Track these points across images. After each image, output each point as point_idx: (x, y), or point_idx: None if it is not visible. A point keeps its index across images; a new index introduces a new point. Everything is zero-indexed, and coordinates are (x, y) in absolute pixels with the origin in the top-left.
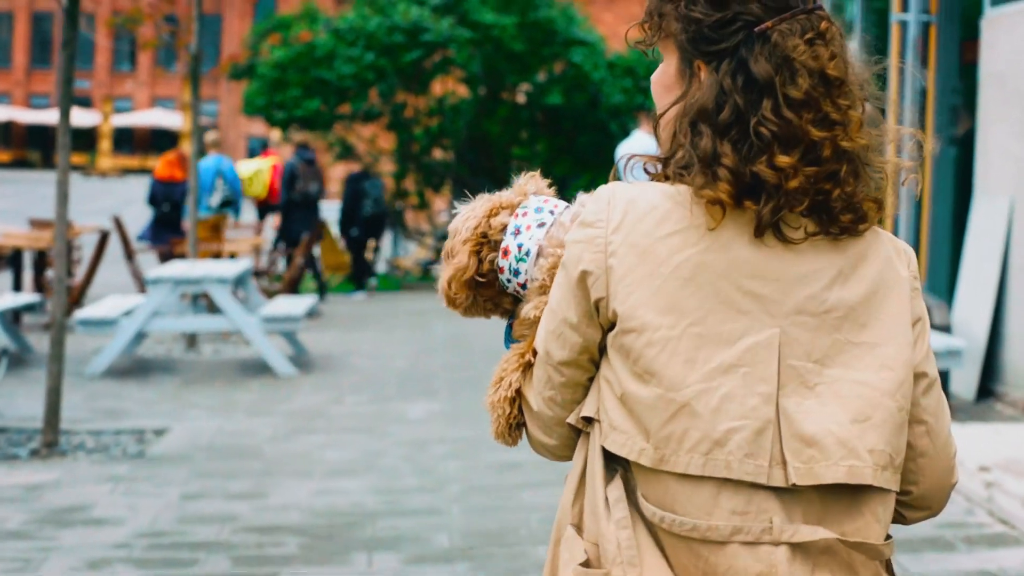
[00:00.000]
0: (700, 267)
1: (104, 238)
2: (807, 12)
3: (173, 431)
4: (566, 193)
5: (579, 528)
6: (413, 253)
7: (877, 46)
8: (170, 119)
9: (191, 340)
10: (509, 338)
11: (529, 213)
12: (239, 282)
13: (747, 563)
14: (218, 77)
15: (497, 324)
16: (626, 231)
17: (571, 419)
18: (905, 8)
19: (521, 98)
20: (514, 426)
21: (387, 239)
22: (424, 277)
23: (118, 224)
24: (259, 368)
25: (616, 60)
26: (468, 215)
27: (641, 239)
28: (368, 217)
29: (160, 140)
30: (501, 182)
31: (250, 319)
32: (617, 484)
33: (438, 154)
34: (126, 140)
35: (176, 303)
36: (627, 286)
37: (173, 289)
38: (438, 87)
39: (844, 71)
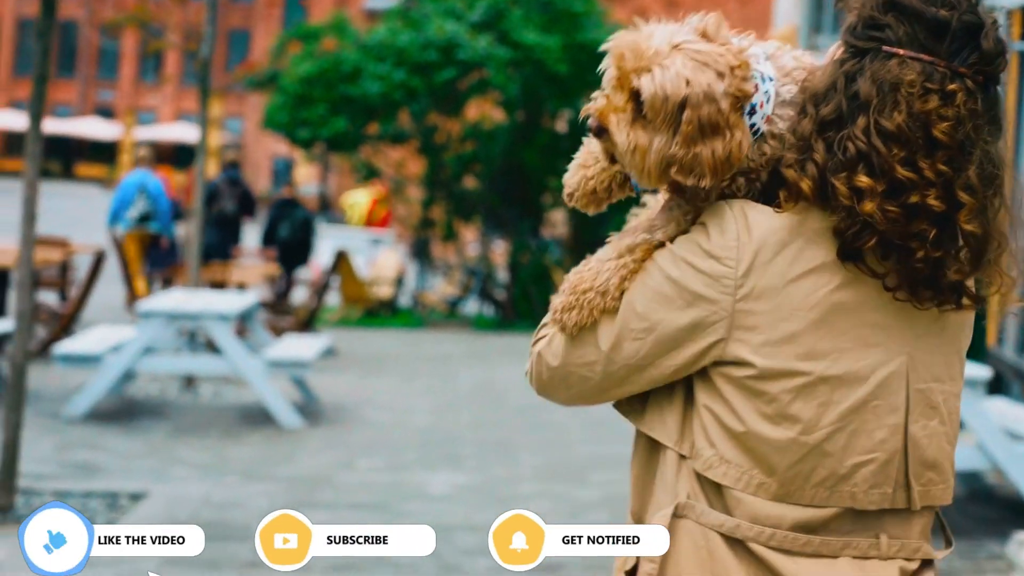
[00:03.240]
0: (832, 308)
1: (100, 259)
2: (951, 70)
3: (151, 497)
4: (602, 231)
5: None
6: (439, 288)
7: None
8: (194, 133)
9: (188, 380)
10: None
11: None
12: (245, 317)
13: None
14: (243, 93)
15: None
16: (758, 274)
17: (664, 438)
18: None
19: (562, 126)
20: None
21: (412, 271)
22: (451, 315)
23: (117, 243)
24: (262, 417)
25: None
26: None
27: (774, 282)
28: (284, 242)
29: (183, 155)
30: (536, 215)
31: (254, 362)
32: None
33: (469, 182)
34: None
35: (173, 338)
36: (760, 333)
37: (167, 324)
38: (472, 110)
39: (956, 140)
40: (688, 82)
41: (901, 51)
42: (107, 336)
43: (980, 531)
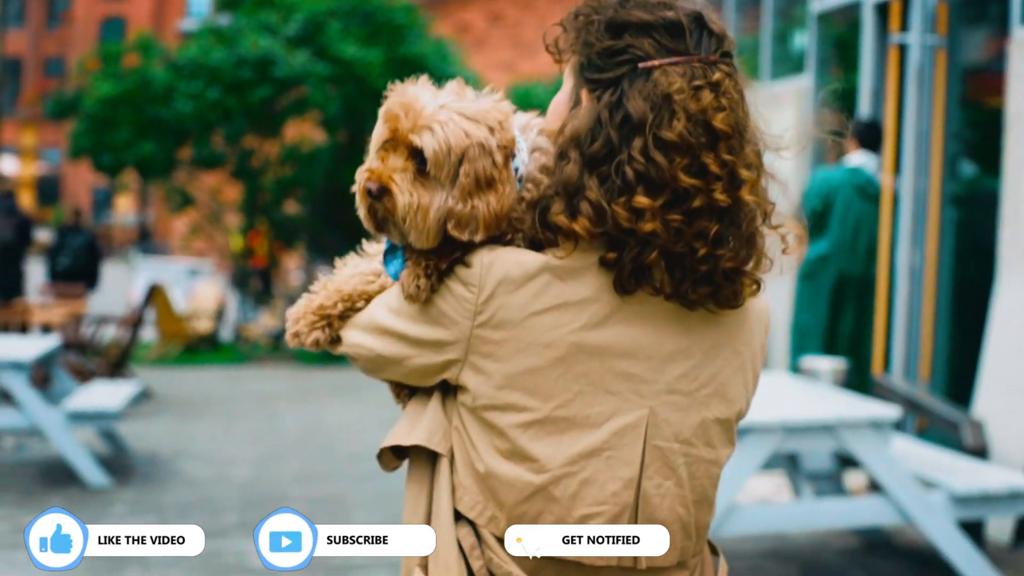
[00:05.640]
0: (573, 347)
1: None
2: (706, 62)
3: None
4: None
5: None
6: (261, 320)
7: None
8: (10, 165)
9: None
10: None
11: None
12: (46, 362)
13: None
14: (60, 122)
15: (362, 416)
16: (498, 303)
17: (415, 439)
18: (905, 27)
19: None
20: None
21: (232, 303)
22: (274, 349)
23: None
24: (67, 474)
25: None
26: (466, 126)
27: (514, 313)
28: (65, 272)
29: None
30: (360, 239)
31: (53, 414)
32: (468, 529)
33: (290, 207)
34: None
35: None
36: (494, 362)
37: None
38: (291, 131)
39: (734, 126)
40: (467, 135)
41: (657, 62)
42: None
43: None
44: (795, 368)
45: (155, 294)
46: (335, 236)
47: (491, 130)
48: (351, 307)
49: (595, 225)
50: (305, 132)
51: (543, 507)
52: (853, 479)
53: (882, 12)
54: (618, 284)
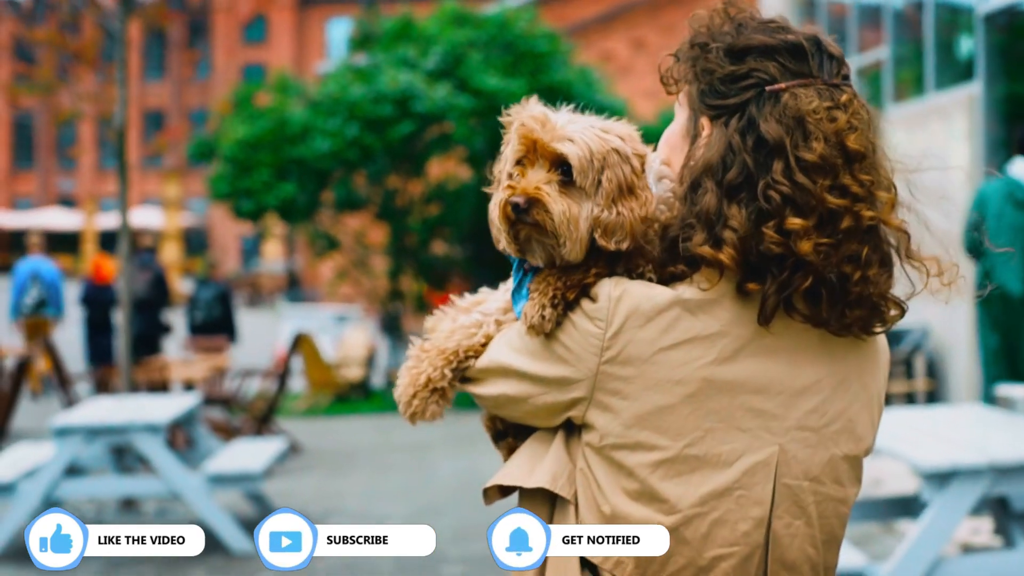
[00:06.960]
0: (703, 383)
1: (23, 366)
2: (830, 84)
3: None
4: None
5: None
6: None
7: None
8: (157, 218)
9: (127, 499)
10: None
11: None
12: (185, 422)
13: None
14: (201, 170)
15: None
16: (626, 338)
17: (537, 482)
18: None
19: None
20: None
21: (383, 348)
22: None
23: (48, 348)
24: (210, 540)
25: (642, 130)
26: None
27: (642, 349)
28: (202, 325)
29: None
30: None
31: (193, 479)
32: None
33: (438, 247)
34: (112, 242)
35: (103, 453)
36: (622, 399)
37: (88, 440)
38: (436, 169)
39: (866, 146)
40: (605, 141)
41: (784, 84)
42: (25, 457)
43: None
44: (987, 397)
45: (301, 343)
46: (486, 275)
47: (622, 139)
48: (458, 367)
49: (740, 253)
50: (450, 170)
51: (673, 549)
52: None
53: None
54: (762, 315)
